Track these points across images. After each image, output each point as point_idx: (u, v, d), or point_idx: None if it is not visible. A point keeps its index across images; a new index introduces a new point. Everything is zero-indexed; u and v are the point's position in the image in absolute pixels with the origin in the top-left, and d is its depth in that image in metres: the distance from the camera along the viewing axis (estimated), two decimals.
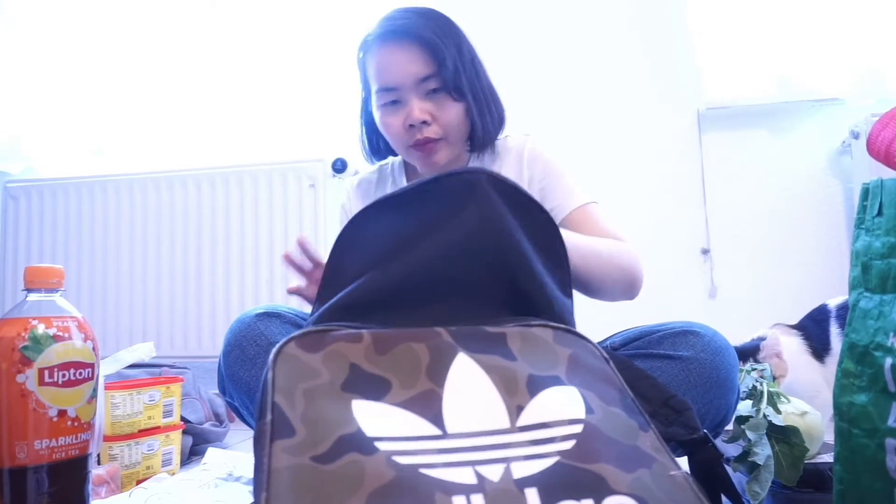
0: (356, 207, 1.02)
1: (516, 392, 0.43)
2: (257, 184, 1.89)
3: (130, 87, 2.03)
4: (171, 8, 2.02)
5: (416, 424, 0.40)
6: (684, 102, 1.77)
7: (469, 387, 0.43)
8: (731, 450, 0.85)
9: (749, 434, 0.82)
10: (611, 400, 0.45)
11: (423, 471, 0.36)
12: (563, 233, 0.59)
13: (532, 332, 0.49)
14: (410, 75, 0.88)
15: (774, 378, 1.19)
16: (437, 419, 0.40)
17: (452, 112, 0.90)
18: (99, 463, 1.07)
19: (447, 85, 0.88)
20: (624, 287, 0.89)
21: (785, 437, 0.82)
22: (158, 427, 1.16)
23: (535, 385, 0.44)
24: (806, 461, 0.81)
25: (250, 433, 0.87)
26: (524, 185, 0.96)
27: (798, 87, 1.67)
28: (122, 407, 1.11)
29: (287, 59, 1.93)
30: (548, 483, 0.36)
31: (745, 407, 0.86)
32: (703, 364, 0.73)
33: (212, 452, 1.19)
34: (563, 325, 0.50)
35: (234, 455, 1.20)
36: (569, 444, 0.39)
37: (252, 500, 0.93)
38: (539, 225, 0.55)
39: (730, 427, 0.84)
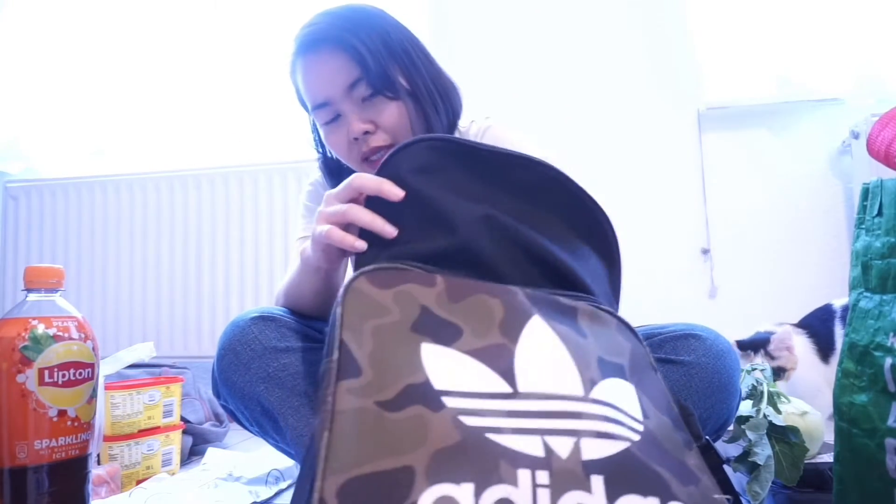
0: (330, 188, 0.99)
1: (589, 367, 0.41)
2: (257, 184, 1.89)
3: (130, 88, 2.03)
4: (171, 8, 2.02)
5: (487, 378, 0.38)
6: (684, 102, 1.77)
7: (543, 349, 0.41)
8: (732, 450, 0.85)
9: (749, 434, 0.82)
10: (661, 408, 0.43)
11: (490, 435, 0.35)
12: None
13: (600, 314, 0.48)
14: (337, 86, 0.81)
15: (784, 371, 1.19)
16: (508, 374, 0.39)
17: (394, 113, 0.83)
18: (99, 463, 1.07)
19: (378, 85, 0.81)
20: None
21: (785, 437, 0.82)
22: (158, 427, 1.16)
23: (605, 368, 0.42)
24: (806, 461, 0.81)
25: (250, 433, 0.86)
26: None
27: (798, 87, 1.67)
28: (122, 407, 1.11)
29: (286, 59, 1.93)
30: (615, 472, 0.35)
31: (745, 407, 0.86)
32: (704, 368, 0.72)
33: (212, 452, 1.20)
34: (624, 319, 0.49)
35: (234, 455, 1.20)
36: (636, 437, 0.38)
37: (251, 500, 0.93)
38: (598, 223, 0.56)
39: (730, 427, 0.84)
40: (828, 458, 0.87)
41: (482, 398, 0.37)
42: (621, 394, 0.41)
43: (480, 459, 0.33)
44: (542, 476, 0.33)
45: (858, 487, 0.58)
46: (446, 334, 0.40)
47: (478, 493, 0.31)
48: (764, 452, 0.79)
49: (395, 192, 0.55)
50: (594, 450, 0.36)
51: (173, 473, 1.15)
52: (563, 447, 0.35)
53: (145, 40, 2.03)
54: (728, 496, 0.39)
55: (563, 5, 1.84)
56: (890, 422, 0.54)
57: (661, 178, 1.78)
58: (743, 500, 0.80)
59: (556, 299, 0.46)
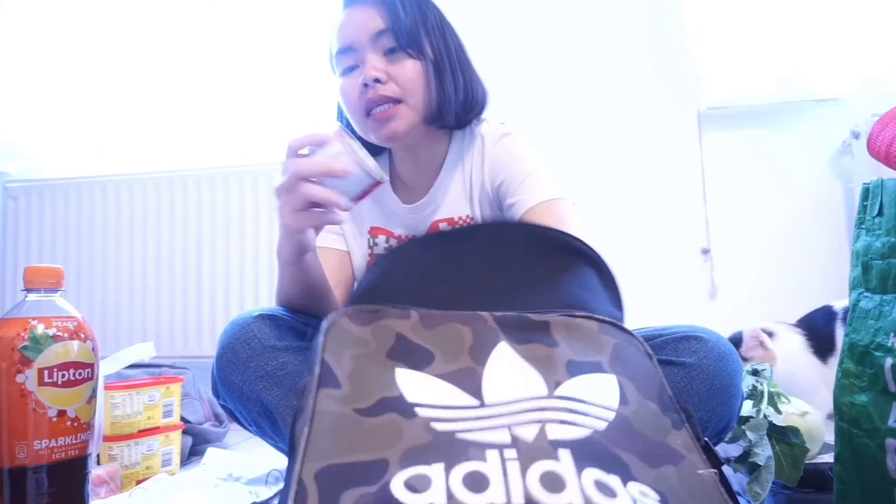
0: None
1: (555, 371, 0.44)
2: (257, 184, 1.89)
3: (130, 88, 2.03)
4: (170, 9, 2.02)
5: (456, 395, 0.41)
6: (684, 102, 1.77)
7: (509, 369, 0.44)
8: (732, 450, 0.85)
9: (749, 434, 0.82)
10: (648, 394, 0.45)
11: (460, 436, 0.37)
12: None
13: (577, 322, 0.49)
14: (366, 31, 0.84)
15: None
16: (476, 392, 0.41)
17: (411, 71, 0.84)
18: (99, 463, 1.07)
19: (403, 40, 0.84)
20: None
21: (785, 437, 0.82)
22: (158, 427, 1.16)
23: (574, 368, 0.44)
24: (806, 461, 0.81)
25: (250, 433, 0.86)
26: (483, 181, 0.92)
27: (798, 87, 1.67)
28: (122, 407, 1.11)
29: (286, 59, 1.93)
30: (580, 449, 0.37)
31: (745, 407, 0.86)
32: (706, 370, 0.71)
33: (211, 452, 1.19)
34: (608, 318, 0.50)
35: (234, 455, 1.20)
36: (602, 425, 0.40)
37: (251, 500, 0.93)
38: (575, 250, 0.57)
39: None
40: (828, 458, 0.87)
41: (452, 409, 0.40)
42: (592, 386, 0.43)
43: (450, 449, 0.36)
44: (510, 453, 0.36)
45: (859, 488, 0.58)
46: (419, 359, 0.43)
47: (448, 470, 0.34)
48: (764, 453, 0.79)
49: (335, 167, 0.66)
50: (559, 432, 0.38)
51: (173, 473, 1.15)
52: (528, 432, 0.38)
53: (145, 41, 2.03)
54: (714, 470, 0.40)
55: (563, 5, 1.84)
56: (890, 422, 0.54)
57: (661, 178, 1.78)
58: (743, 501, 0.80)
59: (526, 318, 0.48)
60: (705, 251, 1.74)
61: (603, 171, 1.76)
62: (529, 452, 0.36)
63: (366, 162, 0.70)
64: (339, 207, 0.69)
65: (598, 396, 0.42)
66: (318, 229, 0.77)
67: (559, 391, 0.42)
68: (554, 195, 0.87)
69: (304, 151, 0.71)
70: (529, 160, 0.90)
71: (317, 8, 1.92)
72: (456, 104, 0.88)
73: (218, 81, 1.98)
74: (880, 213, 0.59)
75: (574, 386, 0.43)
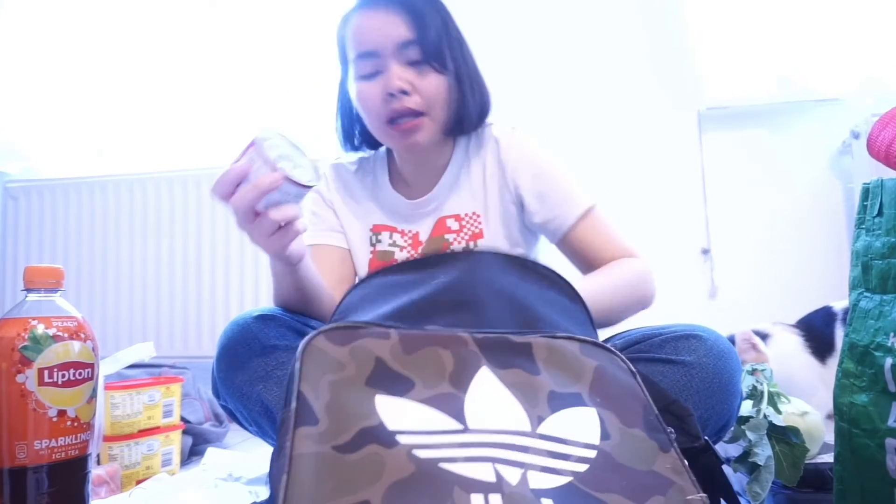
0: (335, 192, 0.99)
1: (537, 405, 0.43)
2: None
3: (130, 88, 2.03)
4: (170, 9, 2.02)
5: (438, 419, 0.40)
6: (684, 102, 1.77)
7: (491, 396, 0.43)
8: (732, 450, 0.85)
9: (749, 434, 0.82)
10: (632, 420, 0.44)
11: (444, 465, 0.37)
12: (584, 285, 0.64)
13: (557, 343, 0.49)
14: (391, 39, 0.83)
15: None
16: (458, 415, 0.41)
17: (435, 84, 0.85)
18: (99, 463, 1.07)
19: (429, 54, 0.84)
20: (640, 309, 0.88)
21: (785, 437, 0.82)
22: (158, 427, 1.16)
23: (556, 402, 0.44)
24: (806, 461, 0.81)
25: (250, 433, 0.86)
26: (502, 181, 0.93)
27: (798, 87, 1.67)
28: (122, 407, 1.11)
29: (285, 60, 1.93)
30: (562, 498, 0.37)
31: (745, 407, 0.86)
32: (705, 369, 0.71)
33: (212, 452, 1.19)
34: (589, 339, 0.50)
35: (234, 455, 1.20)
36: (583, 467, 0.40)
37: (251, 500, 0.93)
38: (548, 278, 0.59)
39: (731, 428, 0.84)
40: (828, 458, 0.87)
41: (434, 434, 0.39)
42: (573, 423, 0.43)
43: (434, 487, 0.35)
44: (495, 498, 0.35)
45: (859, 488, 0.58)
46: (399, 387, 0.42)
47: None
48: (764, 453, 0.79)
49: (264, 185, 0.64)
50: (540, 481, 0.38)
51: (173, 473, 1.15)
52: (512, 476, 0.37)
53: (145, 41, 2.03)
54: (703, 494, 0.39)
55: (563, 5, 1.84)
56: (890, 422, 0.54)
57: (662, 178, 1.78)
58: (743, 501, 0.80)
59: (507, 339, 0.48)
60: (705, 251, 1.74)
61: (603, 170, 1.75)
62: (513, 498, 0.36)
63: (292, 172, 0.65)
64: (295, 217, 0.68)
65: (579, 434, 0.42)
66: (294, 240, 0.74)
67: (541, 429, 0.42)
68: (586, 203, 0.90)
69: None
70: (549, 162, 0.93)
71: (316, 8, 1.92)
72: (473, 114, 0.90)
73: (217, 81, 1.98)
74: (880, 213, 0.59)
75: (555, 423, 0.43)
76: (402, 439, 0.38)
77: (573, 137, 1.78)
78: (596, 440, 0.42)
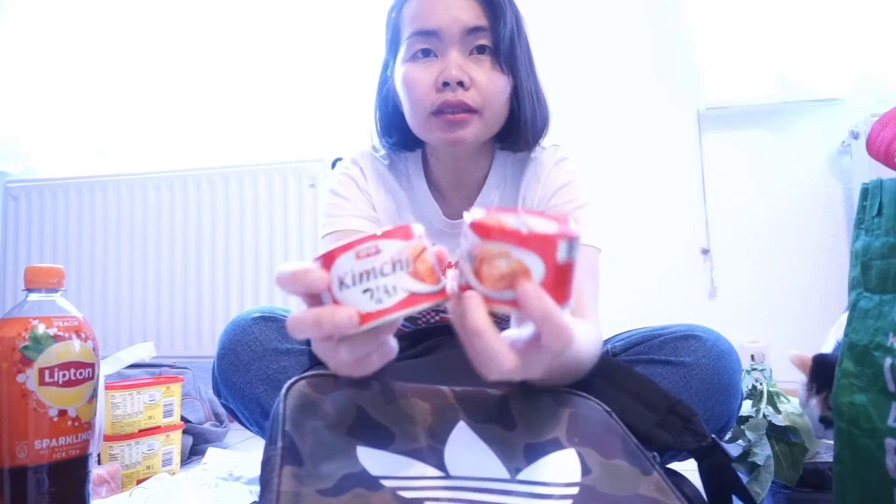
0: (372, 183, 0.88)
1: (514, 458, 0.44)
2: (257, 184, 1.89)
3: (131, 88, 2.03)
4: (171, 8, 2.02)
5: (420, 468, 0.41)
6: (684, 102, 1.77)
7: (469, 449, 0.44)
8: (732, 450, 0.85)
9: (749, 434, 0.82)
10: (612, 453, 0.46)
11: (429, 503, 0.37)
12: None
13: (531, 396, 0.50)
14: (459, 22, 0.73)
15: None
16: (440, 465, 0.42)
17: (496, 83, 0.75)
18: (99, 463, 1.07)
19: (499, 48, 0.74)
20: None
21: (785, 437, 0.82)
22: (158, 427, 1.16)
23: (533, 453, 0.45)
24: (806, 461, 0.81)
25: (250, 433, 0.86)
26: (537, 198, 0.84)
27: (798, 87, 1.67)
28: (123, 407, 1.11)
29: (287, 59, 1.93)
30: None
31: (745, 407, 0.86)
32: (704, 370, 0.71)
33: (212, 452, 1.19)
34: (563, 389, 0.52)
35: (235, 455, 1.20)
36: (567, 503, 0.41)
37: (252, 500, 0.93)
38: None
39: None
40: (828, 458, 0.87)
41: (417, 479, 0.40)
42: (553, 467, 0.44)
43: None
44: None
45: (858, 487, 0.58)
46: (380, 439, 0.43)
47: None
48: (763, 452, 0.79)
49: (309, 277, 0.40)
50: None
51: (173, 473, 1.15)
52: None
53: (145, 41, 2.03)
54: None
55: (563, 5, 1.84)
56: (890, 422, 0.54)
57: (661, 177, 1.78)
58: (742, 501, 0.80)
59: (484, 392, 0.48)
60: (705, 251, 1.74)
61: (603, 170, 1.75)
62: None
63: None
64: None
65: (559, 475, 0.43)
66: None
67: (521, 476, 0.43)
68: (592, 242, 0.79)
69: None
70: (580, 191, 0.84)
71: (316, 8, 1.92)
72: (528, 130, 0.81)
73: (218, 81, 1.98)
74: (879, 214, 0.60)
75: (535, 470, 0.44)
76: (386, 483, 0.39)
77: (573, 137, 1.78)
78: (577, 478, 0.43)
